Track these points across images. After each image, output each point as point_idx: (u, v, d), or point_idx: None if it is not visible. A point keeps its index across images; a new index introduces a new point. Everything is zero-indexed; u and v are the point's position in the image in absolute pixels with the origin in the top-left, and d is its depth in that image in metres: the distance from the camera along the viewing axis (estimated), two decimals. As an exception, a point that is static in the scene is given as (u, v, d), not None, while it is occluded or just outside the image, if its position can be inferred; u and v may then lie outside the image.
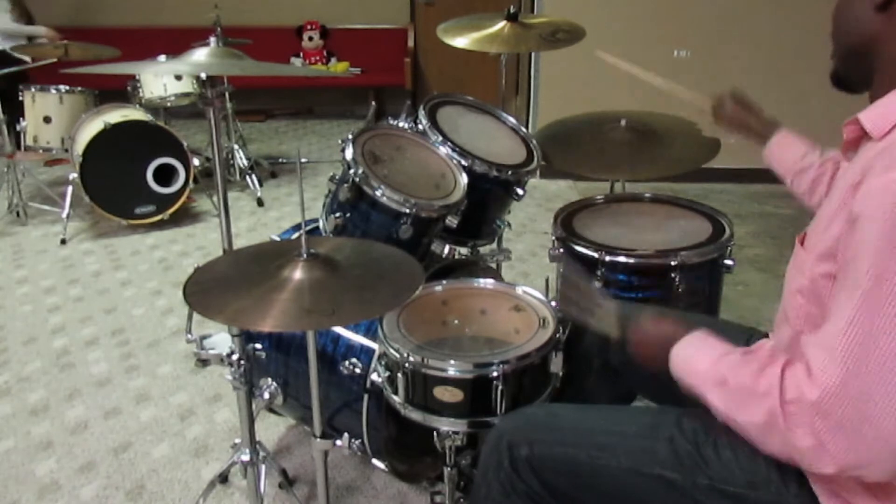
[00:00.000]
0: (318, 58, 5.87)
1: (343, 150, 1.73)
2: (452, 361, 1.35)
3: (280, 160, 4.91)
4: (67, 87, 3.85)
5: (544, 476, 1.16)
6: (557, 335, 1.44)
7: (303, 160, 4.93)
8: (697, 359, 1.08)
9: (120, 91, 4.02)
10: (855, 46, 1.04)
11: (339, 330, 1.72)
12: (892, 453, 0.87)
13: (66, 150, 3.85)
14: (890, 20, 0.98)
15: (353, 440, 1.71)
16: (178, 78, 4.00)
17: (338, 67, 5.79)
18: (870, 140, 0.99)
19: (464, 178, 1.83)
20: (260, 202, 4.13)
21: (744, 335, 1.37)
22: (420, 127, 1.92)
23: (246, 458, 1.67)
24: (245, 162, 4.34)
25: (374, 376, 1.59)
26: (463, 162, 1.86)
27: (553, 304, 1.56)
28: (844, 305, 0.89)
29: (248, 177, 4.29)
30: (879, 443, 0.87)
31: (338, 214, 1.75)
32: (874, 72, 1.02)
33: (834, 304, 0.92)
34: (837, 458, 0.89)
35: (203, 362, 2.53)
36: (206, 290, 1.27)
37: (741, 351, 1.06)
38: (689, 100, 1.73)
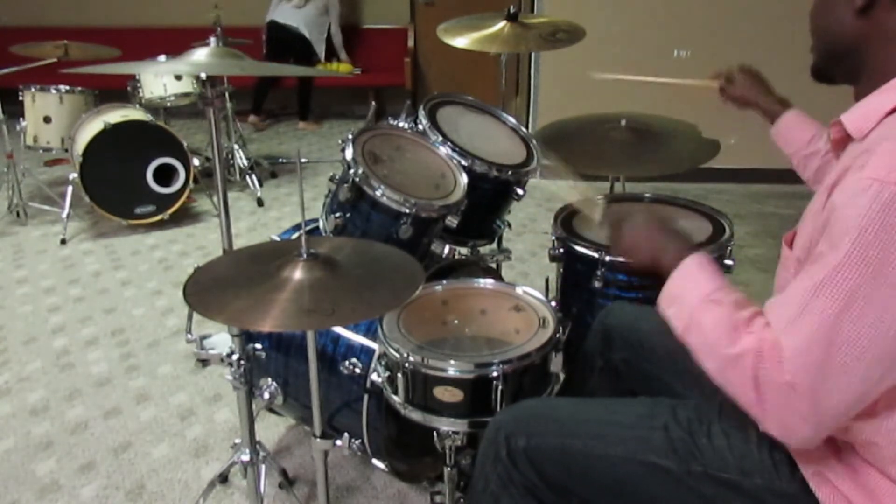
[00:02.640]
0: (317, 58, 5.87)
1: (343, 150, 1.73)
2: (452, 361, 1.35)
3: (280, 160, 4.91)
4: (67, 87, 3.84)
5: (541, 467, 1.17)
6: (557, 335, 1.44)
7: (303, 160, 4.93)
8: (701, 278, 1.07)
9: (120, 91, 4.02)
10: (837, 47, 1.05)
11: (339, 330, 1.72)
12: (822, 428, 0.92)
13: (66, 150, 3.85)
14: (871, 23, 0.99)
15: (353, 440, 1.71)
16: (178, 78, 4.00)
17: (340, 67, 5.79)
18: (853, 141, 1.00)
19: (464, 178, 1.83)
20: (260, 202, 4.13)
21: None
22: (420, 127, 1.92)
23: (246, 458, 1.67)
24: (245, 162, 4.34)
25: (374, 376, 1.59)
26: (463, 162, 1.86)
27: (553, 304, 1.56)
28: (813, 285, 0.90)
29: (248, 177, 4.29)
30: (824, 418, 0.91)
31: (338, 214, 1.75)
32: (858, 71, 1.03)
33: (801, 282, 0.92)
34: (777, 425, 0.92)
35: (203, 362, 2.54)
36: (206, 290, 1.27)
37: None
38: (696, 86, 1.71)
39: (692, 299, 1.05)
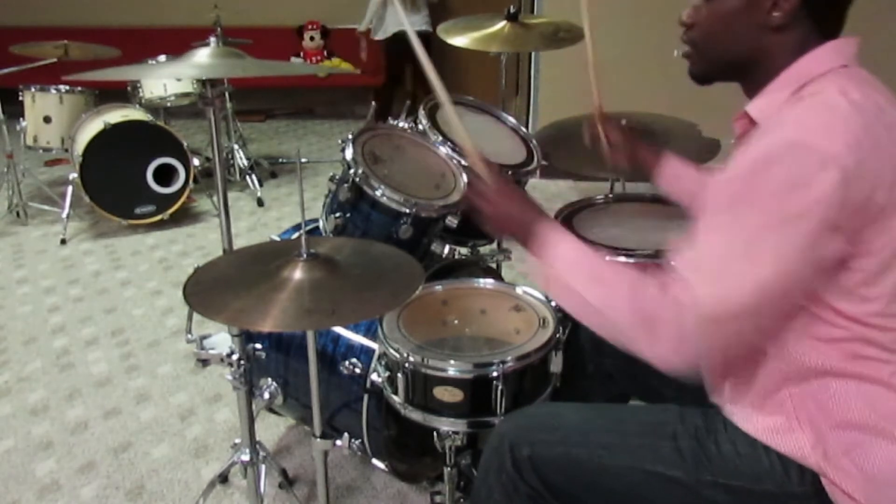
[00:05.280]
0: (318, 58, 5.87)
1: (343, 150, 1.73)
2: (452, 361, 1.35)
3: (280, 160, 4.91)
4: (67, 87, 3.84)
5: (547, 476, 1.16)
6: (557, 335, 1.44)
7: (303, 160, 4.93)
8: (569, 253, 1.15)
9: (120, 91, 4.02)
10: (740, 59, 1.09)
11: (339, 330, 1.72)
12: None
13: (66, 150, 3.85)
14: (781, 37, 1.04)
15: (353, 440, 1.71)
16: (178, 78, 4.00)
17: (341, 66, 5.79)
18: (758, 129, 1.06)
19: (464, 178, 1.83)
20: (260, 202, 4.13)
21: None
22: (420, 127, 1.92)
23: (246, 458, 1.67)
24: (245, 162, 4.34)
25: (374, 376, 1.59)
26: (463, 162, 1.86)
27: (553, 304, 1.56)
28: (709, 233, 1.00)
29: (248, 177, 4.29)
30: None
31: (338, 214, 1.75)
32: (751, 73, 1.08)
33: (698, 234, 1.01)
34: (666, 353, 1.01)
35: (203, 362, 2.54)
36: (206, 290, 1.27)
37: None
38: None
39: (572, 278, 1.12)
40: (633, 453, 1.13)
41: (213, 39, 3.75)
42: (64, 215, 3.68)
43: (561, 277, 1.13)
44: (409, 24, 1.44)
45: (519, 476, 1.17)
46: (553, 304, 1.56)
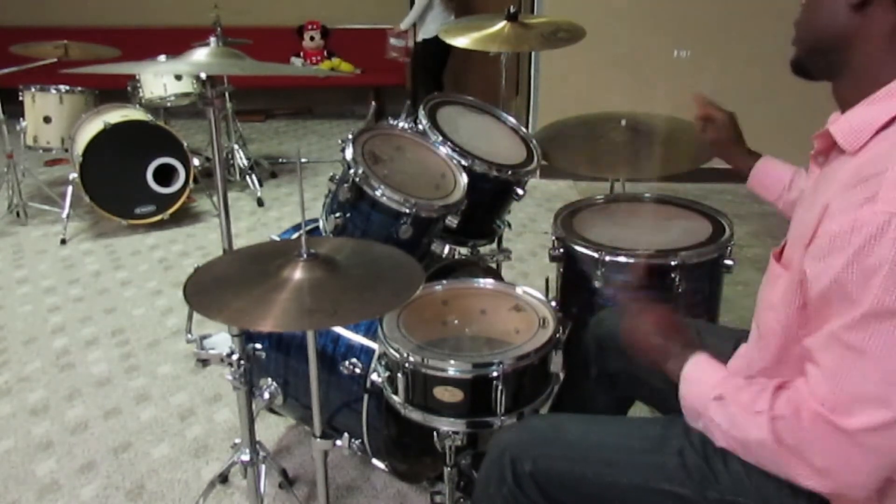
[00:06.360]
0: (318, 58, 5.88)
1: (343, 150, 1.73)
2: (452, 361, 1.35)
3: (280, 160, 4.91)
4: (67, 87, 3.85)
5: (549, 491, 1.15)
6: (557, 335, 1.44)
7: (303, 160, 4.93)
8: (702, 381, 1.09)
9: (120, 91, 4.03)
10: (823, 41, 1.00)
11: (339, 330, 1.72)
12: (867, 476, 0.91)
13: (66, 150, 3.85)
14: (865, 21, 0.94)
15: (353, 440, 1.71)
16: (178, 78, 4.00)
17: (341, 67, 5.80)
18: (842, 153, 0.97)
19: (464, 178, 1.83)
20: (260, 202, 4.13)
21: (732, 338, 1.36)
22: (420, 127, 1.92)
23: (246, 458, 1.67)
24: (245, 162, 4.34)
25: (374, 376, 1.59)
26: (463, 162, 1.86)
27: (553, 303, 1.56)
28: (838, 332, 0.89)
29: (248, 177, 4.30)
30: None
31: (338, 214, 1.75)
32: (839, 68, 0.99)
33: (827, 329, 0.91)
34: (822, 477, 0.92)
35: (203, 362, 2.53)
36: (206, 290, 1.27)
37: (745, 378, 1.06)
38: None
39: (707, 404, 1.06)
40: (639, 471, 1.11)
41: (212, 39, 3.74)
42: (64, 215, 3.68)
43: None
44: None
45: (520, 490, 1.15)
46: (553, 304, 1.56)
